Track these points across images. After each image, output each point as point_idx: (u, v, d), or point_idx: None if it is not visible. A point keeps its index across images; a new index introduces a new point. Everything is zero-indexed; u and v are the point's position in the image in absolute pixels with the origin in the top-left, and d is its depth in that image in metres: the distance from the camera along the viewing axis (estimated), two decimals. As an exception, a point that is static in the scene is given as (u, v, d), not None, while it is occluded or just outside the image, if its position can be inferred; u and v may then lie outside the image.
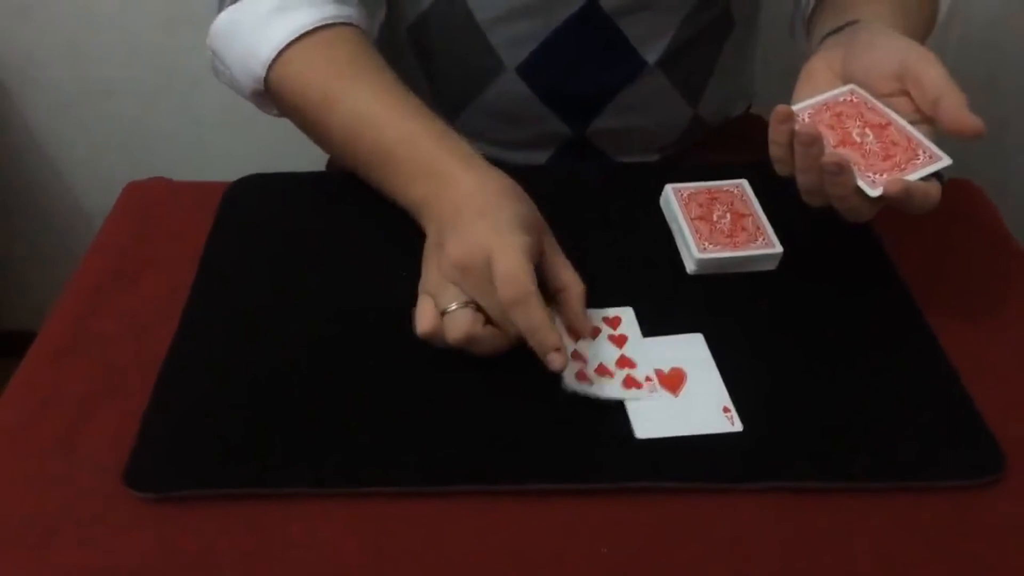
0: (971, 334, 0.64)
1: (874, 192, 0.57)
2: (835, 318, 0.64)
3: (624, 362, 0.60)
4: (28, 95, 1.31)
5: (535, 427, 0.57)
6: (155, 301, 0.66)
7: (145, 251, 0.71)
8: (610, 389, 0.58)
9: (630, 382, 0.59)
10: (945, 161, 0.58)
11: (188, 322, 0.64)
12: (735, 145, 0.91)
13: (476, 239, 0.57)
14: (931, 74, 0.58)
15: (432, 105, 0.83)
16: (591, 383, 0.58)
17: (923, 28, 0.73)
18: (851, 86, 0.63)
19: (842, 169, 0.56)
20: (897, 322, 0.64)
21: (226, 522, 0.52)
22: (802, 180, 0.59)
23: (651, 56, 0.78)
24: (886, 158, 0.58)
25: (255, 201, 0.75)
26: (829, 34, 0.68)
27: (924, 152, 0.59)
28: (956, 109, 0.56)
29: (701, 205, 0.70)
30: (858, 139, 0.60)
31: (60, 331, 0.64)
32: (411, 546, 0.51)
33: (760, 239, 0.67)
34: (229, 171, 0.77)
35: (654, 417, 0.57)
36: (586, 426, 0.57)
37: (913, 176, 0.57)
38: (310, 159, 0.94)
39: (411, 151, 0.63)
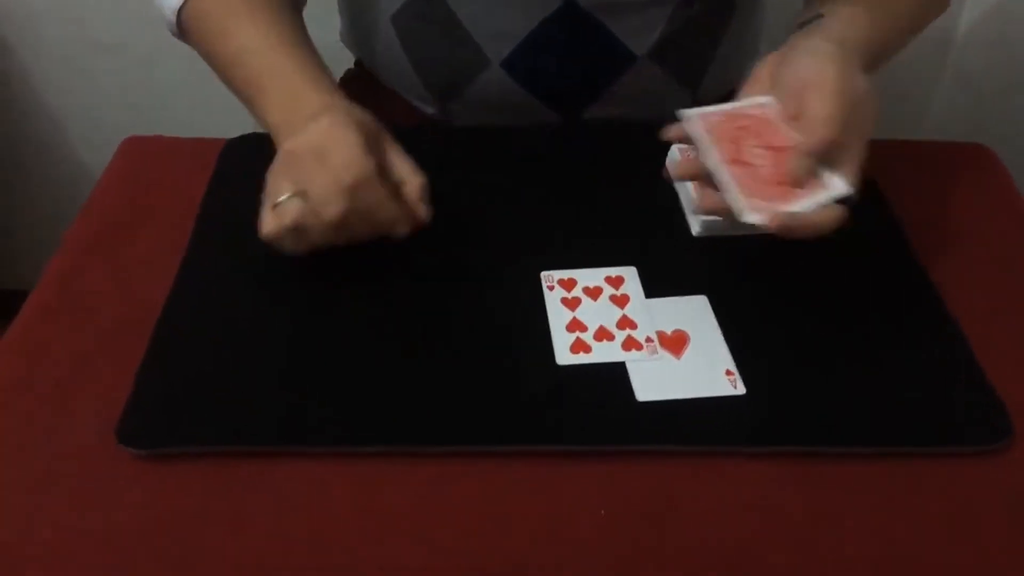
0: (982, 300, 0.63)
1: (751, 219, 0.54)
2: (842, 282, 0.63)
3: (625, 323, 0.59)
4: (30, 51, 1.30)
5: (536, 389, 0.56)
6: (150, 258, 0.65)
7: (141, 208, 0.70)
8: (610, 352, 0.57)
9: (630, 343, 0.58)
10: (839, 191, 0.55)
11: (183, 280, 0.63)
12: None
13: (311, 134, 0.59)
14: (812, 106, 0.55)
15: (423, 92, 0.82)
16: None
17: (910, 14, 0.69)
18: (769, 99, 0.59)
19: (719, 210, 0.56)
20: (905, 287, 0.63)
21: (218, 479, 0.52)
22: (696, 197, 0.60)
23: (640, 49, 0.76)
24: (775, 184, 0.55)
25: (252, 159, 0.73)
26: (800, 25, 0.66)
27: (819, 181, 0.55)
28: (794, 152, 0.55)
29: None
30: (751, 160, 0.57)
31: (54, 288, 0.63)
32: (405, 506, 0.51)
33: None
34: (229, 130, 0.76)
35: (656, 380, 0.56)
36: (587, 388, 0.56)
37: (804, 205, 0.54)
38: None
39: (277, 81, 0.65)
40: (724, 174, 0.55)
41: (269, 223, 0.58)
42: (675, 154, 0.70)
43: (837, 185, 0.55)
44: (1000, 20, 1.22)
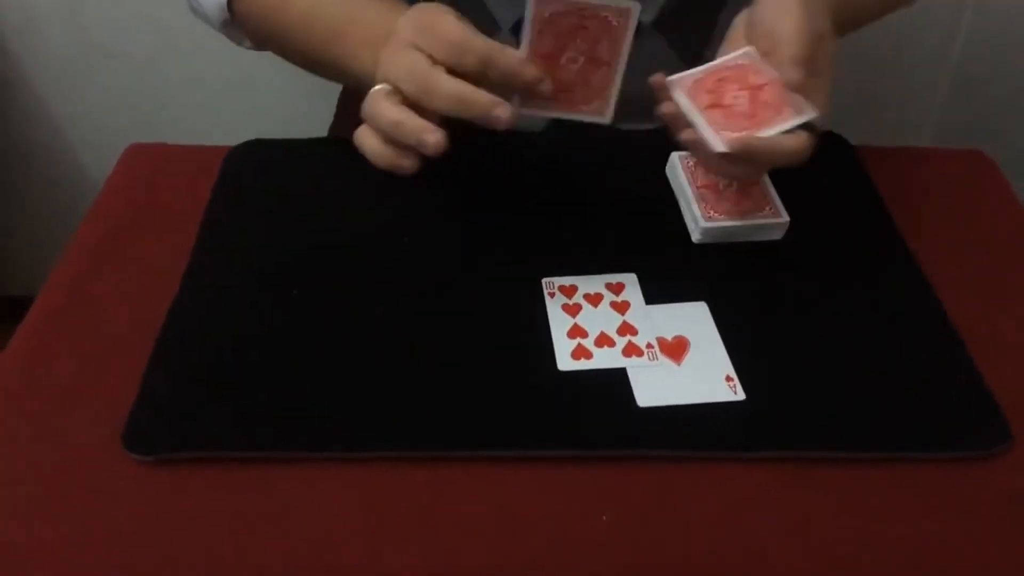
0: (979, 305, 0.63)
1: (718, 148, 0.57)
2: (841, 288, 0.64)
3: (626, 329, 0.60)
4: (31, 58, 1.30)
5: (536, 394, 0.56)
6: (154, 264, 0.65)
7: (145, 214, 0.70)
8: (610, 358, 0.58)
9: (631, 349, 0.58)
10: (807, 115, 0.58)
11: (187, 286, 0.63)
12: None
13: (410, 14, 0.61)
14: (781, 27, 0.58)
15: None
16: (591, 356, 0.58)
17: None
18: (747, 49, 0.62)
19: (696, 144, 0.58)
20: (904, 293, 0.64)
21: (223, 484, 0.52)
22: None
23: (645, 17, 0.77)
24: (750, 117, 0.59)
25: (255, 166, 0.75)
26: None
27: (788, 109, 0.58)
28: (780, 61, 0.57)
29: (707, 173, 0.69)
30: (729, 102, 0.60)
31: (59, 293, 0.64)
32: (408, 513, 0.51)
33: (767, 208, 0.67)
34: (230, 135, 0.77)
35: (656, 385, 0.56)
36: (587, 394, 0.56)
37: (771, 131, 0.57)
38: (311, 125, 0.93)
39: (360, 29, 0.66)
40: (698, 118, 0.59)
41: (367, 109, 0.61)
42: (675, 161, 0.71)
43: (805, 109, 0.58)
44: (1000, 27, 1.23)
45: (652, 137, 0.83)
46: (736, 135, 0.57)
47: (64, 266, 0.66)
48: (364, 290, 0.63)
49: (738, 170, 0.62)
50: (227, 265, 0.65)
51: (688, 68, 0.83)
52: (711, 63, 0.63)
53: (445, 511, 0.51)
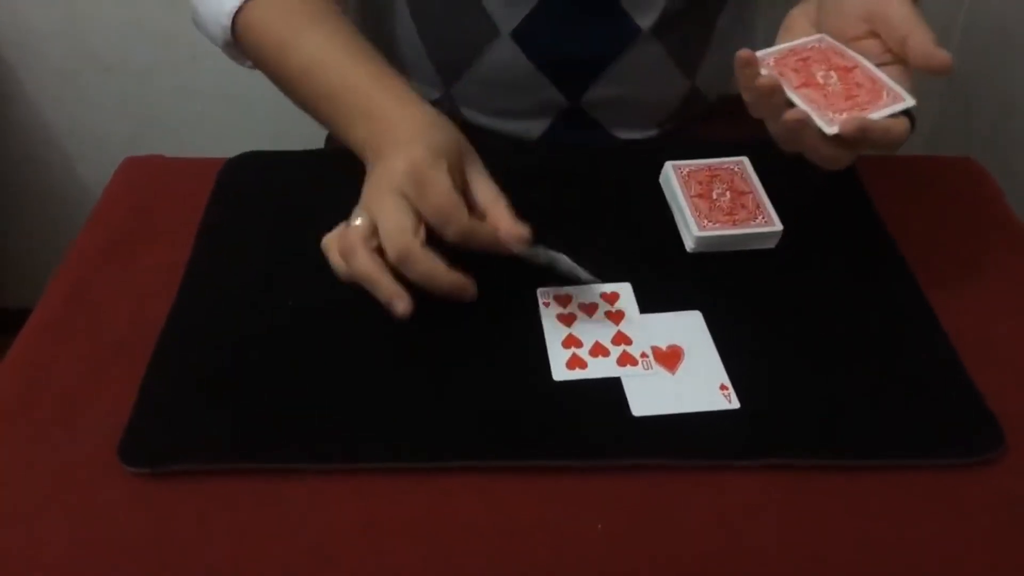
0: (971, 312, 0.64)
1: (830, 130, 0.56)
2: (835, 296, 0.64)
3: (620, 338, 0.60)
4: (28, 70, 1.30)
5: (532, 404, 0.56)
6: (151, 277, 0.66)
7: (141, 227, 0.71)
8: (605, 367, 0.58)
9: (626, 358, 0.59)
10: (908, 102, 0.58)
11: (184, 298, 0.63)
12: (736, 121, 0.90)
13: (399, 164, 0.59)
14: (897, 12, 0.58)
15: (429, 72, 0.83)
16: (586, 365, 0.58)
17: None
18: (821, 35, 0.63)
19: (801, 124, 0.57)
20: (897, 300, 0.64)
21: (221, 497, 0.52)
22: (770, 128, 0.60)
23: (644, 22, 0.78)
24: (848, 98, 0.58)
25: (251, 178, 0.75)
26: None
27: (888, 93, 0.59)
28: (924, 45, 0.57)
29: (701, 183, 0.70)
30: (822, 81, 0.60)
31: (56, 305, 0.64)
32: (407, 523, 0.51)
33: (760, 217, 0.67)
34: (226, 148, 0.77)
35: (651, 394, 0.57)
36: (582, 403, 0.56)
37: (874, 115, 0.57)
38: (307, 137, 0.93)
39: (353, 96, 0.65)
40: (798, 98, 0.58)
41: (331, 237, 0.60)
42: (668, 170, 0.71)
43: (904, 96, 0.58)
44: (993, 35, 1.23)
45: (645, 146, 0.84)
46: (850, 116, 0.56)
47: (62, 277, 0.66)
48: (360, 302, 0.63)
49: (839, 153, 0.58)
50: (224, 277, 0.65)
51: (686, 75, 0.84)
52: (786, 44, 0.62)
53: (442, 521, 0.51)
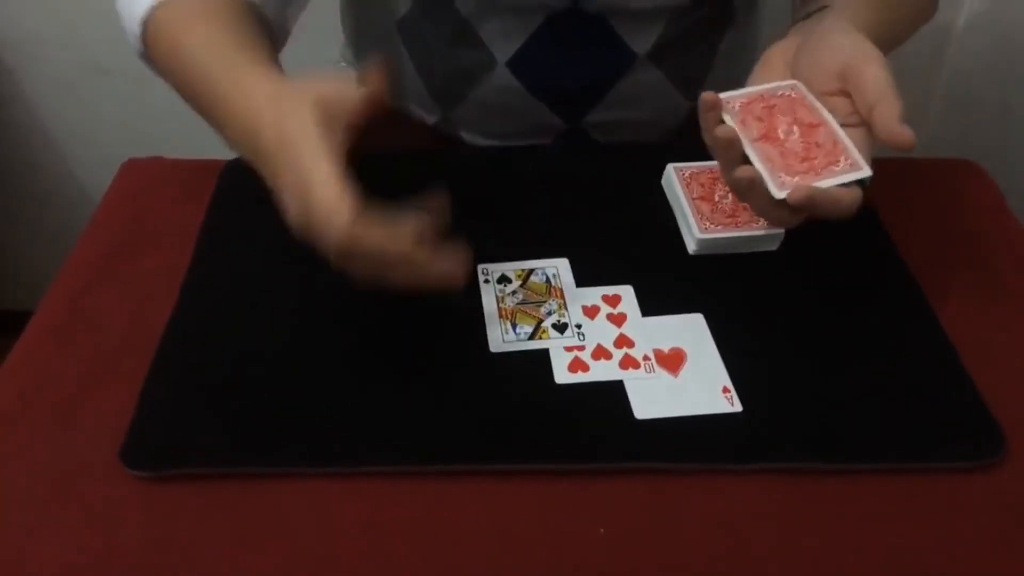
0: (972, 314, 0.64)
1: (779, 194, 0.55)
2: (836, 299, 0.64)
3: (622, 341, 0.60)
4: (27, 74, 1.30)
5: (534, 407, 0.56)
6: (152, 279, 0.65)
7: (142, 229, 0.71)
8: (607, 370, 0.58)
9: (628, 361, 0.58)
10: (863, 172, 0.55)
11: (185, 300, 0.63)
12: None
13: (289, 187, 0.53)
14: (872, 77, 0.55)
15: (427, 99, 0.82)
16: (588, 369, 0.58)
17: (908, 17, 0.70)
18: (793, 82, 0.60)
19: (752, 184, 0.55)
20: (898, 303, 0.64)
21: (222, 501, 0.52)
22: (724, 176, 0.59)
23: (641, 48, 0.77)
24: (804, 159, 0.56)
25: (252, 179, 0.74)
26: (800, 19, 0.67)
27: (846, 159, 0.56)
28: (890, 120, 0.54)
29: (703, 185, 0.70)
30: (782, 136, 0.58)
31: (57, 309, 0.64)
32: (408, 526, 0.51)
33: (761, 219, 0.67)
34: (225, 149, 0.76)
35: (653, 397, 0.57)
36: (585, 406, 0.56)
37: (826, 183, 0.55)
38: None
39: (225, 111, 0.59)
40: (754, 155, 0.56)
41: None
42: (671, 173, 0.71)
43: (861, 165, 0.55)
44: (992, 38, 1.23)
45: (648, 149, 0.84)
46: (800, 185, 0.54)
47: (63, 280, 0.66)
48: (361, 304, 0.63)
49: (784, 216, 0.57)
50: (225, 279, 0.65)
51: (687, 97, 0.84)
52: (756, 88, 0.60)
53: (444, 525, 0.51)
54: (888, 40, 0.65)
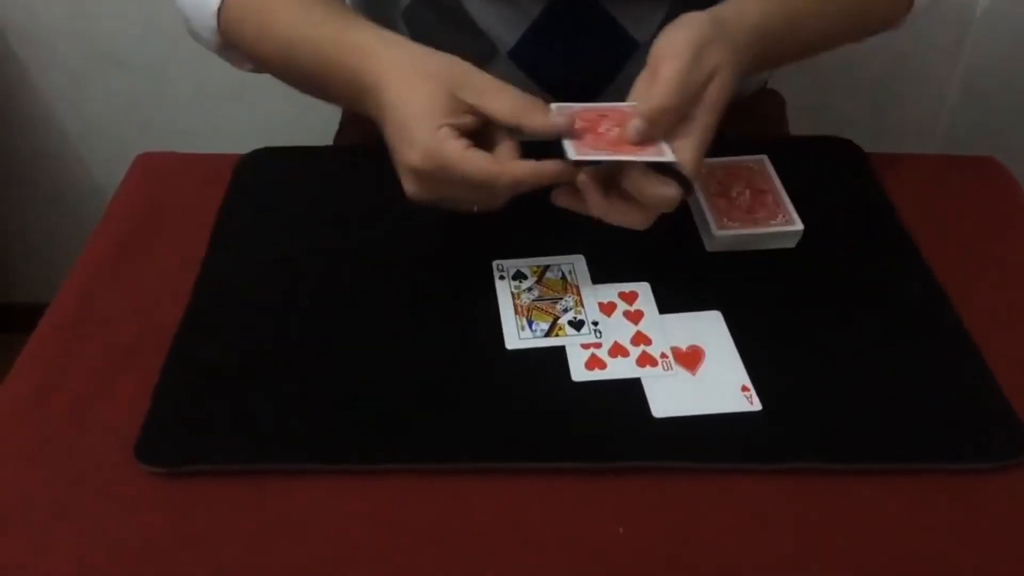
0: (994, 313, 0.63)
1: (573, 155, 0.55)
2: (856, 297, 0.63)
3: (640, 339, 0.59)
4: (39, 67, 1.30)
5: (552, 406, 0.56)
6: (166, 274, 0.65)
7: (156, 223, 0.70)
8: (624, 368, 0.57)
9: (645, 359, 0.58)
10: (664, 156, 0.56)
11: (199, 296, 0.63)
12: (751, 122, 0.89)
13: (382, 122, 0.57)
14: (663, 73, 0.56)
15: None
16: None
17: (819, 11, 0.68)
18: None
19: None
20: (918, 301, 0.63)
21: (237, 497, 0.52)
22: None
23: (642, 36, 0.76)
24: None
25: (265, 174, 0.75)
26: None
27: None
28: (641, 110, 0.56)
29: (720, 181, 0.69)
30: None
31: (71, 303, 0.64)
32: (423, 524, 0.51)
33: (780, 216, 0.66)
34: (239, 144, 0.76)
35: (671, 396, 0.56)
36: (602, 404, 0.56)
37: (619, 157, 0.56)
38: (320, 133, 0.93)
39: (335, 70, 0.62)
40: (567, 140, 0.57)
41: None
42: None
43: (664, 152, 0.56)
44: (1009, 33, 1.22)
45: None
46: (581, 151, 0.55)
47: (76, 276, 0.66)
48: (377, 300, 0.63)
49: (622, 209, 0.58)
50: (239, 274, 0.65)
51: None
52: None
53: (460, 524, 0.51)
54: (793, 34, 0.65)
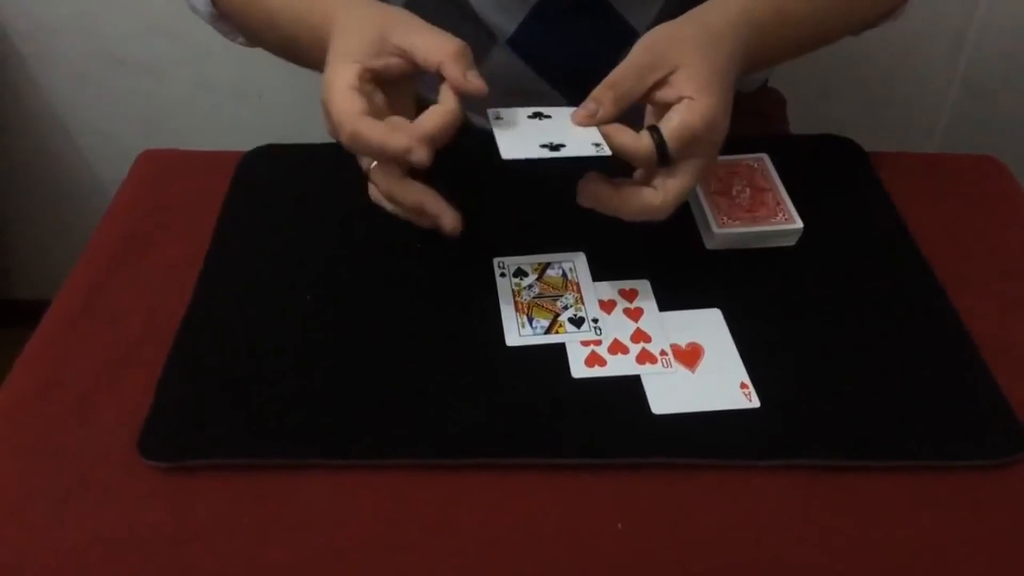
0: (994, 312, 0.63)
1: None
2: (855, 295, 0.64)
3: (639, 336, 0.60)
4: (43, 64, 1.31)
5: (551, 402, 0.56)
6: (169, 270, 0.66)
7: (159, 220, 0.71)
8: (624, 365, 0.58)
9: (645, 356, 0.58)
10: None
11: (202, 292, 0.63)
12: (751, 119, 0.90)
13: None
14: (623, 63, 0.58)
15: (432, 80, 0.82)
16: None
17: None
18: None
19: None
20: (918, 299, 0.64)
21: (241, 491, 0.52)
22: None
23: (640, 23, 0.77)
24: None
25: (269, 171, 0.75)
26: None
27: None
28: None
29: (720, 179, 0.69)
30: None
31: (74, 299, 0.64)
32: (425, 519, 0.51)
33: (780, 214, 0.66)
34: (242, 141, 0.77)
35: (671, 393, 0.56)
36: (602, 401, 0.56)
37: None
38: (323, 129, 0.93)
39: (303, 32, 0.63)
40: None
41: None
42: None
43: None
44: (1009, 31, 1.22)
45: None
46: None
47: (79, 272, 0.66)
48: (379, 295, 0.63)
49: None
50: (242, 270, 0.65)
51: None
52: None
53: (459, 518, 0.51)
54: (775, 20, 0.65)
